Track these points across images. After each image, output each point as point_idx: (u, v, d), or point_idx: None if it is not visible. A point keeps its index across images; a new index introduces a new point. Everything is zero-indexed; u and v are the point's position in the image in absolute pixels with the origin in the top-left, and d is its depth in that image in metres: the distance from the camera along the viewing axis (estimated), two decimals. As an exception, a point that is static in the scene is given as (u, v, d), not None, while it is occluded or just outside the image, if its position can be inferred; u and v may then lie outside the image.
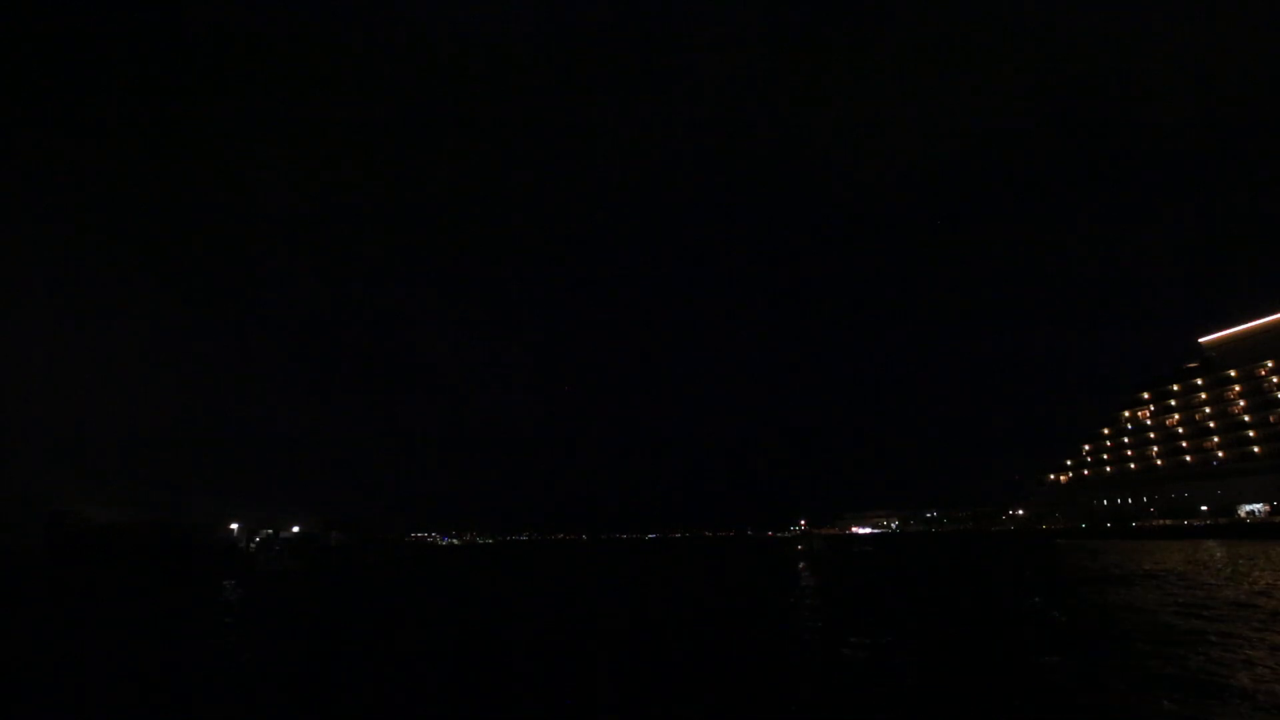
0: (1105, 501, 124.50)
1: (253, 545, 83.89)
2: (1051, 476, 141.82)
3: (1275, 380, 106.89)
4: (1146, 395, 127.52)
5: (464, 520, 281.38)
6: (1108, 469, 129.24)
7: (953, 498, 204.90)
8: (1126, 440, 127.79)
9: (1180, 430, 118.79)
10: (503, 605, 26.37)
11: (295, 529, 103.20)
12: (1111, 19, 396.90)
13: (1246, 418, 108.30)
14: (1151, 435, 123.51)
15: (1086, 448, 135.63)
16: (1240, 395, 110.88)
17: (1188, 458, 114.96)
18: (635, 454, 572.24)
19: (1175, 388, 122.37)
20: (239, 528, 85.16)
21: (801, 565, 48.45)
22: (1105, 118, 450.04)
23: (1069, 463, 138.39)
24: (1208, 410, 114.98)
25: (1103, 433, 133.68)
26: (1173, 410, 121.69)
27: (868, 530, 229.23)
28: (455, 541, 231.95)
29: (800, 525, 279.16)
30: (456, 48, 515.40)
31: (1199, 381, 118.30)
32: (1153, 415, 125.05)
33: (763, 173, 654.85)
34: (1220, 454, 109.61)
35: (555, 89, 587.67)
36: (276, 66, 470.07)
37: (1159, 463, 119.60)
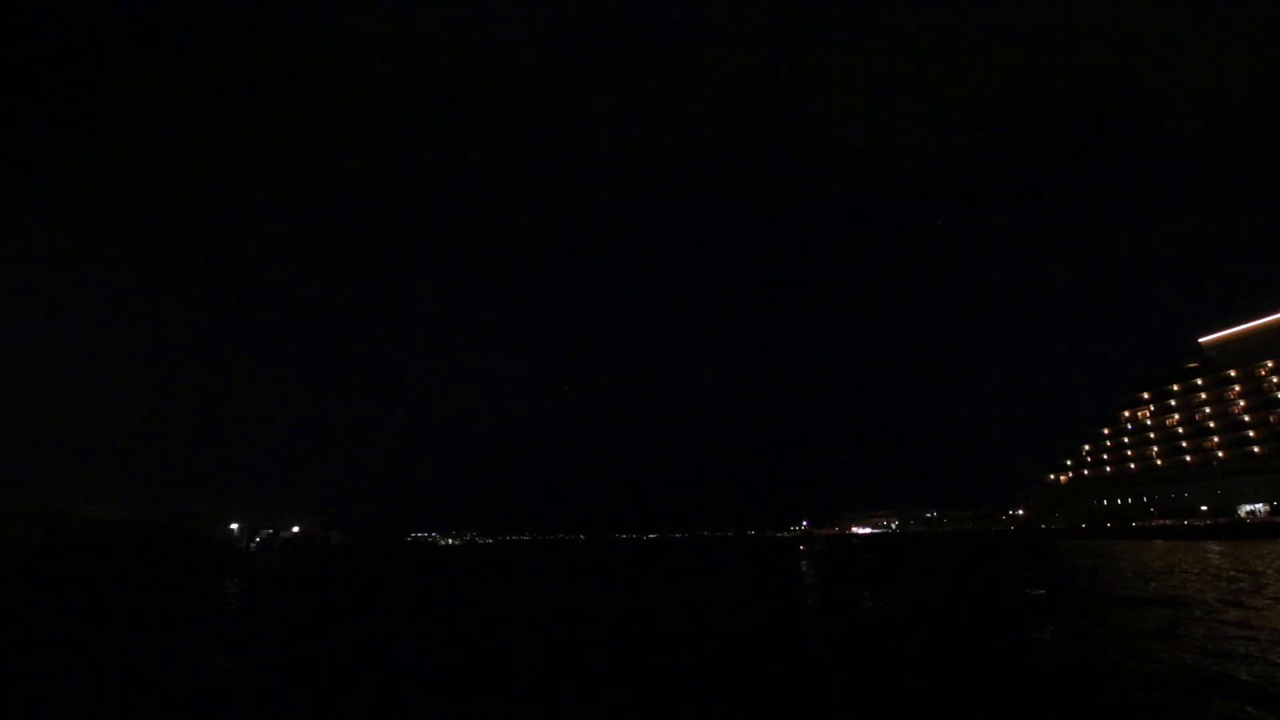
0: (1105, 501, 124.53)
1: (253, 545, 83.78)
2: (1051, 476, 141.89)
3: (1275, 380, 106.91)
4: (1146, 395, 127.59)
5: (464, 520, 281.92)
6: (1108, 469, 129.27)
7: (953, 498, 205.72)
8: (1126, 440, 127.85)
9: (1180, 430, 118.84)
10: (502, 605, 26.31)
11: (295, 529, 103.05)
12: (1112, 19, 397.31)
13: (1246, 418, 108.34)
14: (1151, 435, 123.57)
15: (1086, 448, 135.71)
16: (1240, 395, 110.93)
17: (1188, 458, 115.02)
18: (635, 454, 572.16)
19: (1175, 388, 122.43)
20: (239, 527, 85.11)
21: (804, 564, 48.56)
22: (1106, 118, 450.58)
23: (1069, 463, 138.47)
24: (1208, 410, 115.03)
25: (1103, 433, 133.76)
26: (1173, 410, 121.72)
27: (867, 530, 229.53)
28: (455, 541, 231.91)
29: (801, 525, 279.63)
30: (457, 48, 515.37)
31: (1199, 381, 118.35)
32: (1153, 415, 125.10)
33: (763, 171, 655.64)
34: (1220, 454, 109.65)
35: (555, 89, 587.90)
36: (276, 66, 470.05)
37: (1159, 463, 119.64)
